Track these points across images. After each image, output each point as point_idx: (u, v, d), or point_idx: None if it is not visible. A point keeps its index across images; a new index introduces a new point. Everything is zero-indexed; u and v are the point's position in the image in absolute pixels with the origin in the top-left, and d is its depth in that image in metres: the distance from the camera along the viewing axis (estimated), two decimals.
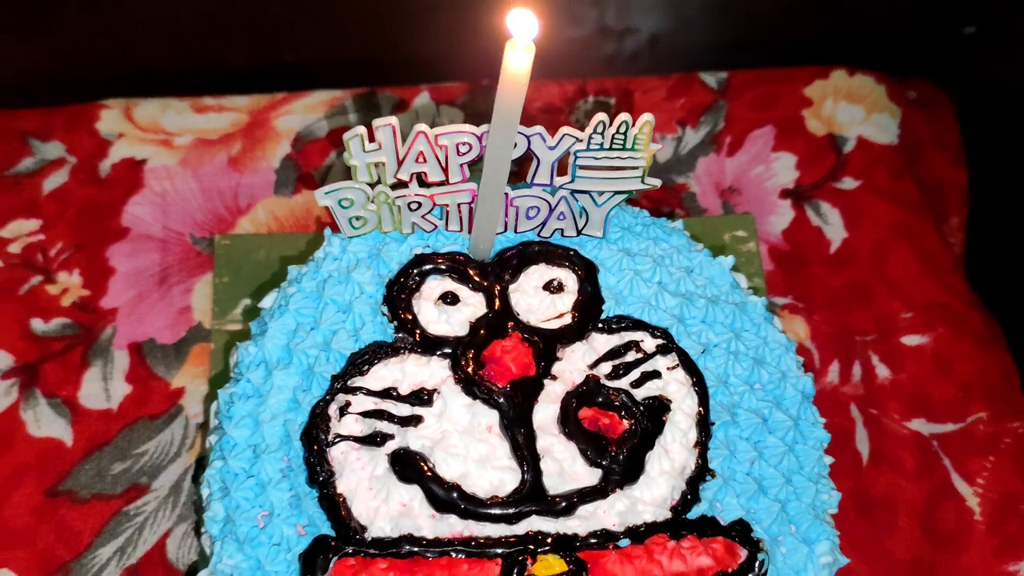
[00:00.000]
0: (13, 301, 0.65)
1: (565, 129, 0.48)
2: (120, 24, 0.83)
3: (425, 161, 0.49)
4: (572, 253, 0.54)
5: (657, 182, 0.51)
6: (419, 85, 0.77)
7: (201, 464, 0.60)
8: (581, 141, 0.48)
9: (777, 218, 0.72)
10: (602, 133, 0.48)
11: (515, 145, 0.48)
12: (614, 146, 0.49)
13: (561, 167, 0.50)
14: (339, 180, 0.52)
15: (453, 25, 0.87)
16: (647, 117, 0.48)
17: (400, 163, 0.49)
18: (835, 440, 0.59)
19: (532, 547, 0.46)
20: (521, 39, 0.42)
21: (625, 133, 0.48)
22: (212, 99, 0.74)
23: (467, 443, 0.48)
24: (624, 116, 0.47)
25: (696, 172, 0.74)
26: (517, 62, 0.43)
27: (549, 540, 0.46)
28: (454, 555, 0.46)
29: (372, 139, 0.48)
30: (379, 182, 0.50)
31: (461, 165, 0.49)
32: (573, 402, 0.49)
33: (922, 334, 0.68)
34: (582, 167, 0.50)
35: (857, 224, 0.72)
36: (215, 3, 0.85)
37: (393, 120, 0.47)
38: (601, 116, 0.47)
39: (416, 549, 0.46)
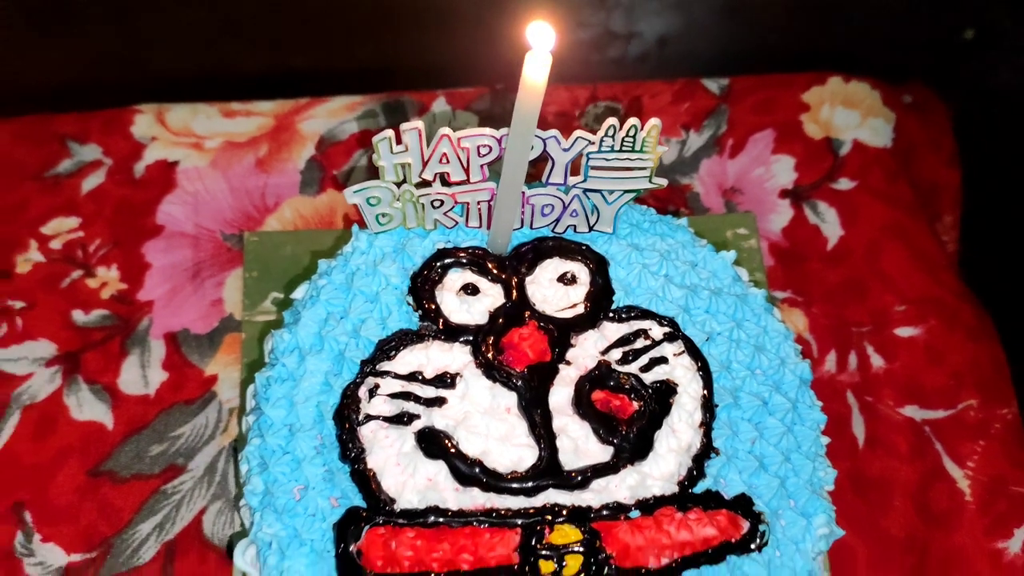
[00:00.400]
0: (55, 294, 0.69)
1: (578, 132, 0.51)
2: (148, 33, 0.87)
3: (448, 162, 0.52)
4: (584, 248, 0.57)
5: (663, 181, 0.54)
6: (436, 90, 0.81)
7: (236, 445, 0.63)
8: (593, 143, 0.52)
9: (777, 217, 0.76)
10: (613, 136, 0.51)
11: (532, 147, 0.51)
12: (623, 148, 0.52)
13: (574, 168, 0.54)
14: (362, 180, 0.55)
15: (468, 33, 0.91)
16: (654, 121, 0.51)
17: (425, 164, 0.52)
18: (832, 425, 0.62)
19: (549, 518, 0.49)
20: (539, 50, 0.46)
21: (634, 136, 0.52)
22: (239, 104, 0.78)
23: (488, 423, 0.51)
24: (633, 120, 0.51)
25: (700, 173, 0.78)
26: (535, 72, 0.46)
27: (565, 511, 0.50)
28: (477, 525, 0.49)
29: (399, 141, 0.52)
30: (404, 181, 0.54)
31: (481, 166, 0.53)
32: (586, 385, 0.53)
33: (915, 326, 0.71)
34: (594, 167, 0.53)
35: (853, 223, 0.75)
36: (240, 13, 0.89)
37: (419, 124, 0.50)
38: (612, 120, 0.51)
39: (442, 519, 0.49)
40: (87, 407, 0.65)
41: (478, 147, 0.52)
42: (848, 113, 0.80)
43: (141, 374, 0.66)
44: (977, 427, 0.68)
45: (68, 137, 0.75)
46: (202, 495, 0.62)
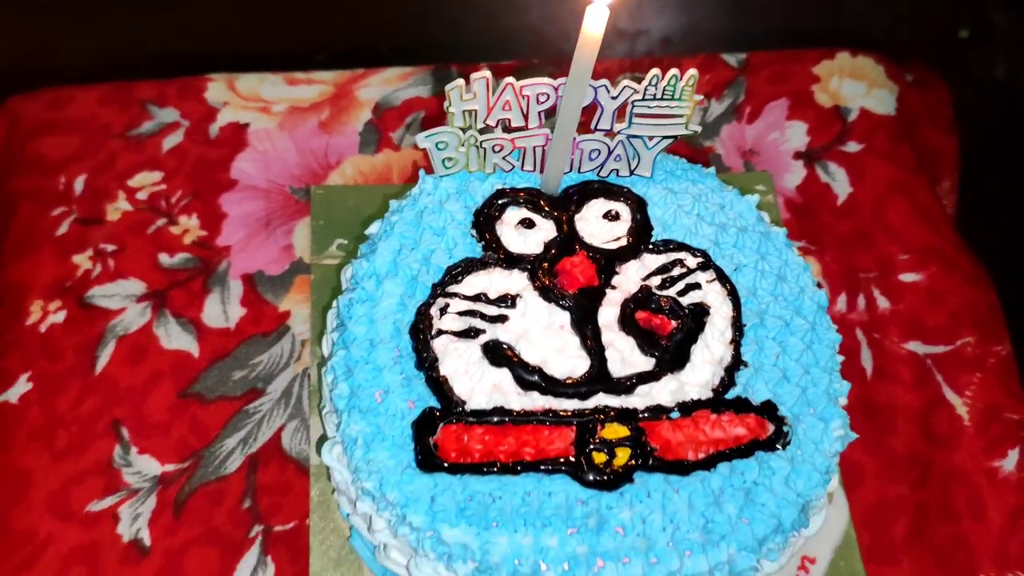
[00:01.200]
0: (142, 239, 0.75)
1: (625, 81, 0.57)
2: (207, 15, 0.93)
3: (510, 109, 0.58)
4: (626, 190, 0.63)
5: (698, 128, 0.60)
6: (479, 63, 0.87)
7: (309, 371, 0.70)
8: (638, 92, 0.58)
9: (791, 176, 0.82)
10: (655, 85, 0.58)
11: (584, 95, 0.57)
12: (664, 96, 0.58)
13: (620, 115, 0.60)
14: (411, 144, 0.61)
15: (505, 14, 0.97)
16: (692, 71, 0.57)
17: (489, 110, 0.58)
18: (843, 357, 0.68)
19: (601, 417, 0.55)
20: (598, 3, 0.52)
21: (674, 85, 0.58)
22: (302, 74, 0.84)
23: (545, 337, 0.57)
24: (674, 70, 0.57)
25: (721, 137, 0.84)
26: (593, 24, 0.52)
27: (613, 412, 0.55)
28: (537, 423, 0.55)
29: (468, 90, 0.58)
30: (469, 128, 0.60)
31: (539, 113, 0.59)
32: (630, 306, 0.59)
33: (917, 272, 0.77)
34: (637, 115, 0.59)
35: (860, 181, 0.82)
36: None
37: (487, 73, 0.57)
38: (655, 70, 0.57)
39: (507, 418, 0.55)
40: (175, 337, 0.71)
41: (537, 95, 0.58)
42: (855, 84, 0.86)
43: (222, 310, 0.72)
44: (974, 361, 0.74)
45: (148, 101, 0.81)
46: (280, 414, 0.68)
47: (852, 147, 0.83)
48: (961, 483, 0.69)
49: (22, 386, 0.68)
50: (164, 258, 0.74)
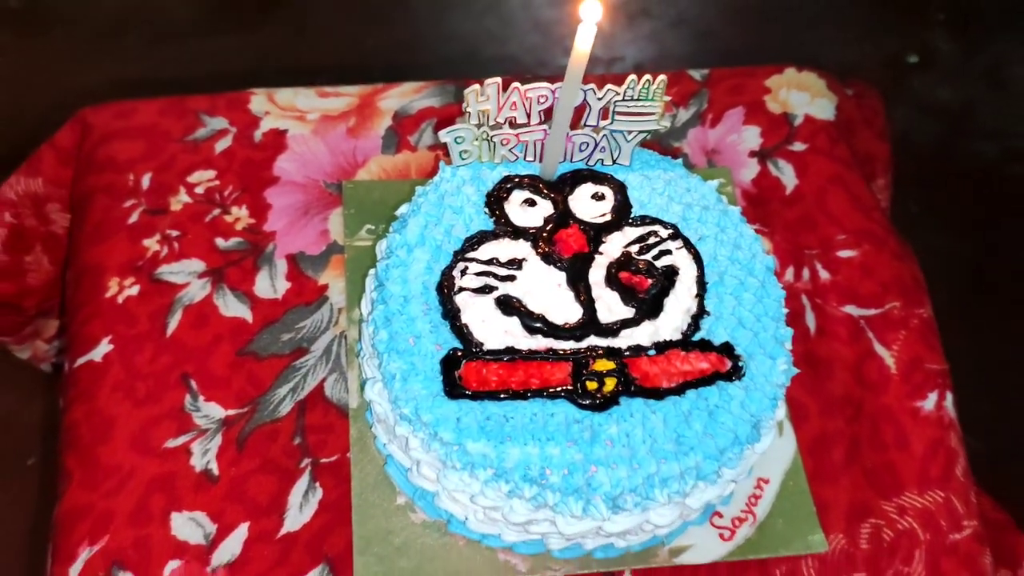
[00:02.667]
0: (201, 225, 0.84)
1: (609, 85, 0.69)
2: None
3: (516, 108, 0.70)
4: (609, 176, 0.74)
5: (667, 123, 0.72)
6: (482, 78, 0.98)
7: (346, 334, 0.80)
8: (619, 94, 0.70)
9: (747, 171, 0.93)
10: (633, 88, 0.69)
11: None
12: (640, 97, 0.70)
13: (604, 113, 0.71)
14: (429, 143, 0.71)
15: (488, 45, 1.09)
16: (662, 77, 0.69)
17: (499, 109, 0.70)
18: (790, 319, 0.79)
19: (592, 354, 0.66)
20: (587, 23, 0.63)
21: (648, 88, 0.69)
22: (331, 88, 0.95)
23: (546, 292, 0.68)
24: (648, 76, 0.69)
25: (687, 139, 0.95)
26: (583, 40, 0.64)
27: (602, 350, 0.66)
28: (541, 360, 0.66)
29: (482, 93, 0.69)
30: (482, 125, 0.71)
31: (539, 112, 0.70)
32: (614, 268, 0.69)
33: (852, 249, 0.88)
34: (619, 113, 0.71)
35: (805, 175, 0.93)
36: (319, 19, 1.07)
37: (498, 79, 0.68)
38: (632, 76, 0.69)
39: (516, 357, 0.65)
40: (232, 307, 0.81)
41: (538, 97, 0.69)
42: (800, 95, 0.98)
43: (271, 283, 0.82)
44: (899, 321, 0.85)
45: (201, 111, 0.91)
46: (323, 369, 0.79)
47: (798, 147, 0.95)
48: (889, 420, 0.80)
49: (104, 347, 0.78)
50: (220, 241, 0.84)
